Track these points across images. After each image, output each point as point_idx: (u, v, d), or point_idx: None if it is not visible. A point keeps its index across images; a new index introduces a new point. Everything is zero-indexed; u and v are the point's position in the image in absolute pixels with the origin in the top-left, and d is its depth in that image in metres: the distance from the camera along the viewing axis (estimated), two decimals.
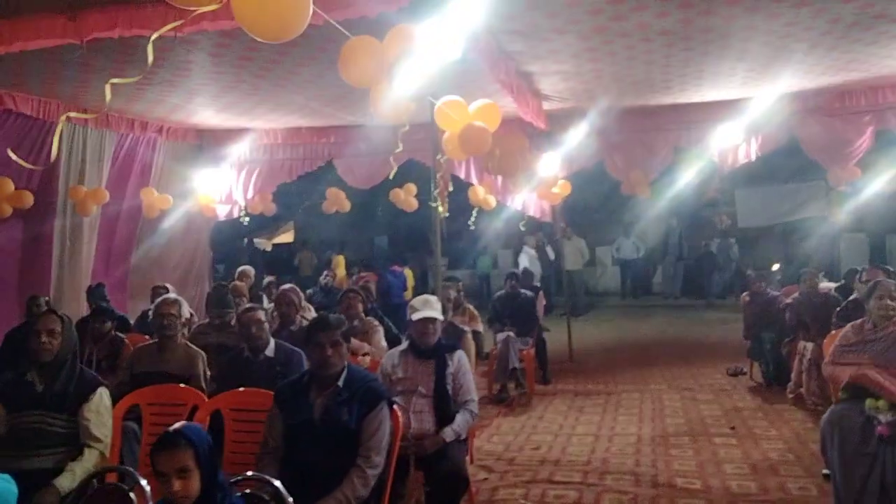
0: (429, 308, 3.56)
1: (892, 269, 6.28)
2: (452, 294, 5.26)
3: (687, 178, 9.39)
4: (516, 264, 11.65)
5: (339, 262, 11.29)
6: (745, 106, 6.97)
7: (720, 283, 13.48)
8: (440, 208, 4.30)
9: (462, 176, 7.57)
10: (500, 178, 7.60)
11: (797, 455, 4.48)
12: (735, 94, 6.75)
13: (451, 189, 4.41)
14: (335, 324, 2.90)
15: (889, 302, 3.62)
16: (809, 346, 5.51)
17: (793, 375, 5.75)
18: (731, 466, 4.34)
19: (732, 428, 5.14)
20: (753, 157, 7.64)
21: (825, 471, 3.62)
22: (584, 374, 7.37)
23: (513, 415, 5.83)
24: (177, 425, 2.13)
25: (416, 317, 3.55)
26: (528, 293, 6.98)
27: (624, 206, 13.45)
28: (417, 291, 9.96)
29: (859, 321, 3.76)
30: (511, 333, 6.43)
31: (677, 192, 10.58)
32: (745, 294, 7.26)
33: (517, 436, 5.18)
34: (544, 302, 7.99)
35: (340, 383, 2.86)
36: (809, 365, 5.37)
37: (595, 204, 13.71)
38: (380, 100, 3.30)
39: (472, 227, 8.12)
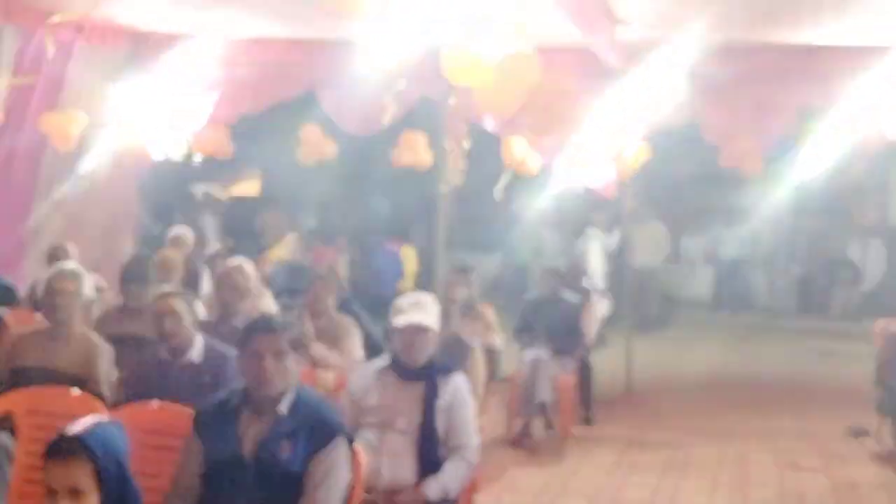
0: (418, 311, 3.57)
1: None
2: (461, 292, 5.27)
3: (818, 153, 9.28)
4: (571, 254, 11.65)
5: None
6: None
7: (855, 300, 13.37)
8: (449, 170, 4.29)
9: (489, 127, 7.53)
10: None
11: None
12: (885, 38, 6.63)
13: (466, 145, 4.39)
14: (279, 327, 2.93)
15: None
16: None
17: None
18: None
19: None
20: None
21: None
22: (645, 417, 7.36)
23: (535, 465, 5.87)
24: (79, 427, 2.18)
25: (398, 322, 3.56)
26: (574, 298, 6.98)
27: (727, 185, 13.30)
28: (421, 282, 10.00)
29: None
30: (543, 352, 6.45)
31: (803, 172, 10.47)
32: (881, 322, 7.17)
33: (538, 496, 5.23)
34: (602, 311, 8.00)
35: (283, 409, 2.89)
36: None
37: (684, 179, 13.60)
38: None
39: (499, 199, 8.12)
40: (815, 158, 9.60)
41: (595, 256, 10.71)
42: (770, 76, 7.48)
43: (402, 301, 3.68)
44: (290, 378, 2.94)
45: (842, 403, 7.88)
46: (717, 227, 14.12)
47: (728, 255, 13.89)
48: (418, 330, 3.54)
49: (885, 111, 7.29)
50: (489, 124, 7.39)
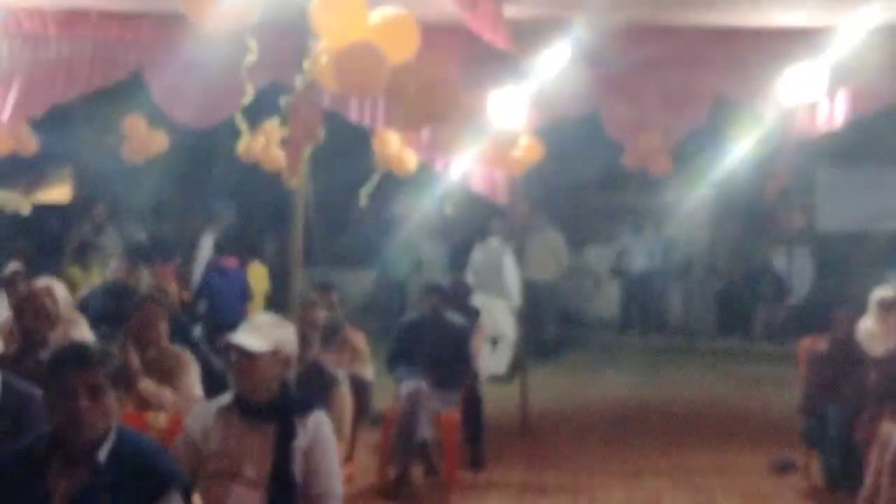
0: (247, 332, 3.62)
1: None
2: (321, 314, 5.30)
3: (737, 150, 9.72)
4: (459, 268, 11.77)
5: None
6: (828, 40, 7.23)
7: (780, 318, 14.02)
8: (292, 174, 4.33)
9: (354, 117, 7.57)
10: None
11: None
12: (814, 18, 6.99)
13: (320, 139, 4.44)
14: (97, 358, 2.90)
15: None
16: None
17: (868, 476, 6.04)
18: None
19: None
20: (839, 124, 7.97)
21: None
22: (543, 457, 7.51)
23: None
24: None
25: (221, 343, 3.63)
26: (459, 320, 7.09)
27: (634, 188, 13.76)
28: (275, 304, 9.93)
29: None
30: (423, 384, 6.53)
31: (721, 172, 10.95)
32: (807, 340, 7.58)
33: None
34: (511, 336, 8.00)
35: (101, 457, 2.87)
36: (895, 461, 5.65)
37: (586, 181, 14.00)
38: None
39: (364, 203, 8.20)
40: (734, 157, 10.07)
41: (510, 270, 10.85)
42: (681, 62, 7.80)
43: (241, 324, 3.72)
44: (110, 420, 2.91)
45: (766, 435, 8.26)
46: (624, 236, 14.55)
47: (637, 267, 14.29)
48: (243, 355, 3.57)
49: (811, 101, 7.69)
50: (353, 113, 7.43)
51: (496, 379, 9.88)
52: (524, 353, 9.14)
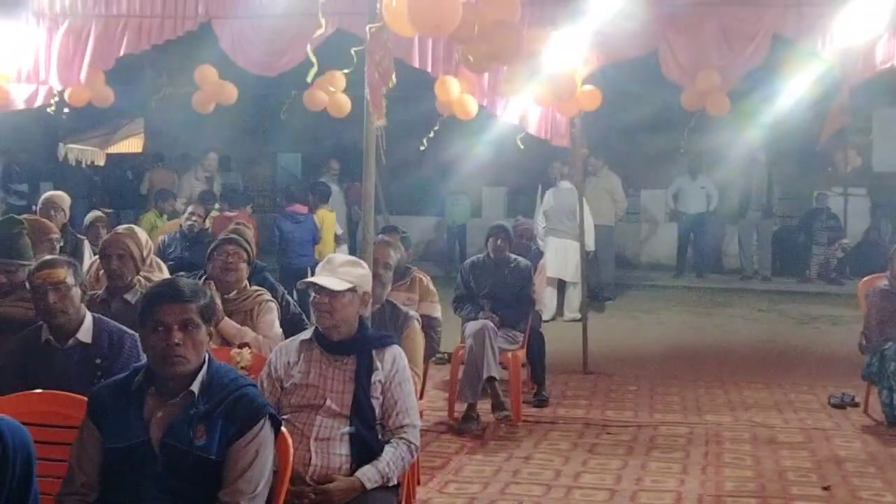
0: (326, 272, 3.67)
1: None
2: (392, 255, 5.32)
3: (793, 89, 9.52)
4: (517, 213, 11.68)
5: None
6: None
7: (836, 258, 13.84)
8: (377, 115, 4.34)
9: (417, 62, 7.55)
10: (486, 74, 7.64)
11: None
12: None
13: (393, 82, 4.42)
14: (189, 294, 2.95)
15: None
16: None
17: None
18: None
19: (826, 488, 5.36)
20: None
21: None
22: (605, 395, 7.55)
23: (483, 451, 5.97)
24: None
25: (300, 285, 3.71)
26: (521, 261, 7.10)
27: (690, 129, 13.55)
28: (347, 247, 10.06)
29: None
30: (490, 322, 6.57)
31: (776, 112, 10.77)
32: (867, 278, 7.48)
33: (487, 485, 5.33)
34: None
35: (195, 389, 2.94)
36: None
37: (641, 123, 13.83)
38: None
39: (425, 148, 8.19)
40: (790, 97, 9.87)
41: (584, 214, 10.79)
42: (739, 2, 7.66)
43: (321, 263, 3.77)
44: (201, 353, 2.97)
45: (823, 372, 8.26)
46: (680, 178, 14.41)
47: (693, 209, 14.14)
48: (325, 294, 3.61)
49: (868, 39, 7.49)
50: (416, 58, 7.42)
51: (574, 321, 9.84)
52: (585, 295, 9.15)
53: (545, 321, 8.96)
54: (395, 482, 3.66)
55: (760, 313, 11.83)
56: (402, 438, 3.64)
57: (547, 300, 9.91)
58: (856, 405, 7.13)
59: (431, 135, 8.51)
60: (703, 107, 8.62)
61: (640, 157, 14.90)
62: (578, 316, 9.39)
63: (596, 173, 11.94)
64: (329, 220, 9.98)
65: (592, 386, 7.85)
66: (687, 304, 12.43)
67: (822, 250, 13.87)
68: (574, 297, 10.74)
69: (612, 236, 12.52)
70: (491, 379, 6.46)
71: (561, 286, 10.89)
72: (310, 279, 3.72)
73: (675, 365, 8.80)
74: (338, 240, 10.24)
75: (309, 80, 5.95)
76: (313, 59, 5.40)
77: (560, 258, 10.63)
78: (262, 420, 2.95)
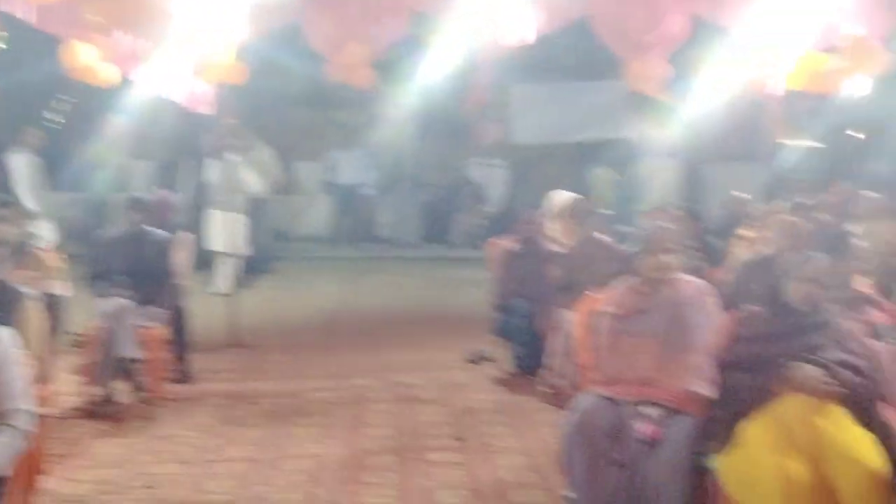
0: None
1: (688, 207, 7.41)
2: (7, 231, 4.92)
3: (435, 63, 9.91)
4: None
5: None
6: None
7: (478, 225, 14.64)
8: None
9: (38, 22, 7.05)
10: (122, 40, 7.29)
11: (541, 472, 5.09)
12: None
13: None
14: None
15: (665, 257, 4.27)
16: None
17: (552, 360, 6.51)
18: (448, 495, 4.80)
19: (459, 439, 5.68)
20: (530, 37, 8.28)
21: (569, 493, 4.18)
22: (252, 367, 7.52)
23: (121, 434, 5.74)
24: None
25: None
26: (160, 234, 6.86)
27: (340, 102, 13.79)
28: None
29: (634, 280, 4.38)
30: (126, 301, 6.29)
31: (425, 85, 11.15)
32: (496, 242, 7.97)
33: (123, 467, 5.15)
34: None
35: None
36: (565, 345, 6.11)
37: (295, 95, 13.83)
38: None
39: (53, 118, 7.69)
40: (433, 71, 10.27)
41: (249, 186, 10.51)
42: None
43: None
44: None
45: (463, 331, 8.61)
46: (333, 151, 14.58)
47: (347, 181, 14.39)
48: None
49: (500, 15, 7.91)
50: (35, 17, 6.90)
51: (220, 295, 9.65)
52: (239, 269, 9.03)
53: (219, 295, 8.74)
54: (5, 473, 3.41)
55: (410, 279, 12.26)
56: (7, 425, 3.38)
57: (220, 276, 9.73)
58: (490, 360, 7.56)
59: (61, 104, 7.99)
60: (349, 79, 8.76)
61: (294, 130, 14.87)
62: (226, 288, 9.26)
63: (248, 146, 11.76)
64: None
65: (241, 360, 7.77)
66: (341, 273, 12.62)
67: (466, 218, 14.62)
68: (229, 270, 10.57)
69: (266, 209, 12.44)
70: (128, 359, 6.19)
71: (218, 259, 10.66)
72: None
73: (326, 333, 8.93)
74: None
75: None
76: None
77: (226, 231, 10.38)
78: None
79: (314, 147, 14.98)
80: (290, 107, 14.48)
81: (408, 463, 5.28)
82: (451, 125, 15.20)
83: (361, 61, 8.39)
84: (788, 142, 14.49)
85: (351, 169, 14.31)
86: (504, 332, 7.35)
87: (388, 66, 9.80)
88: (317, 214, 15.19)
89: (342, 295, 11.11)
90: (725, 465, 3.68)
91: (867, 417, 3.65)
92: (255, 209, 11.67)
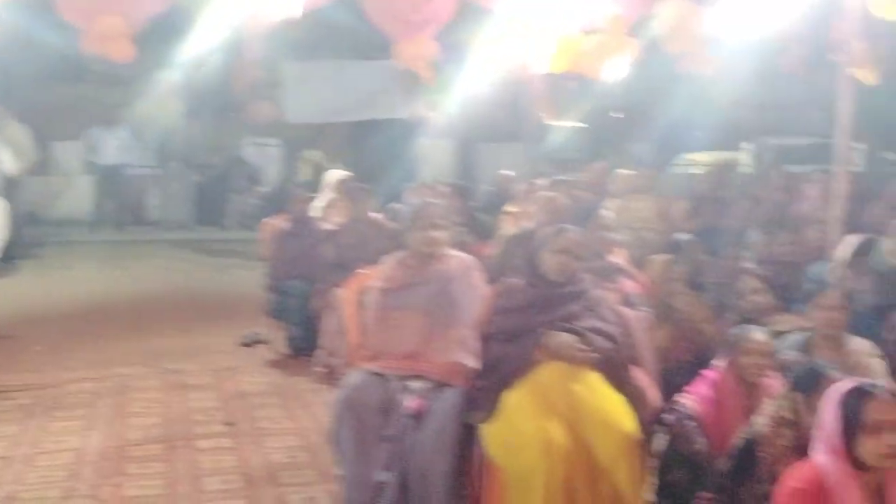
0: None
1: (456, 184, 7.57)
2: None
3: (200, 37, 9.60)
4: None
5: None
6: None
7: (253, 206, 14.44)
8: None
9: None
10: None
11: (313, 453, 5.10)
12: None
13: None
14: None
15: (433, 233, 4.33)
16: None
17: (325, 339, 6.50)
18: (217, 481, 4.72)
19: (229, 424, 5.59)
20: (297, 12, 8.18)
21: (340, 471, 4.19)
22: (10, 361, 7.04)
23: None
24: None
25: None
26: None
27: (102, 79, 13.16)
28: None
29: (403, 255, 4.43)
30: None
31: (188, 60, 10.78)
32: (268, 222, 7.88)
33: None
34: None
35: None
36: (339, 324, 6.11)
37: (46, 69, 13.10)
38: None
39: None
40: (199, 44, 9.94)
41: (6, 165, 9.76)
42: None
43: None
44: None
45: (236, 315, 8.52)
46: (96, 129, 13.94)
47: (109, 161, 13.80)
48: None
49: None
50: None
51: None
52: None
53: None
54: None
55: (181, 263, 11.98)
56: None
57: None
58: (264, 342, 7.50)
59: None
60: (106, 52, 8.34)
61: (50, 107, 14.06)
62: None
63: None
64: None
65: None
66: (105, 258, 12.16)
67: (240, 199, 14.38)
68: None
69: (21, 190, 11.73)
70: None
71: None
72: None
73: (88, 320, 8.52)
74: None
75: None
76: None
77: None
78: None
79: (73, 125, 14.23)
80: (45, 82, 13.68)
81: (175, 451, 5.15)
82: (222, 104, 14.87)
83: (118, 33, 7.99)
84: (554, 122, 15.07)
85: (113, 148, 13.72)
86: (278, 314, 7.30)
87: (148, 39, 9.41)
88: (77, 196, 14.51)
89: (107, 281, 10.66)
90: (490, 434, 3.80)
91: (620, 382, 3.86)
92: (10, 191, 11.02)
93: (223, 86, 13.84)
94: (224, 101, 14.81)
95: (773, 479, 3.28)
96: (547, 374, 3.78)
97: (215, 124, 15.59)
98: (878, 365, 4.17)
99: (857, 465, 2.79)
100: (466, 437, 4.02)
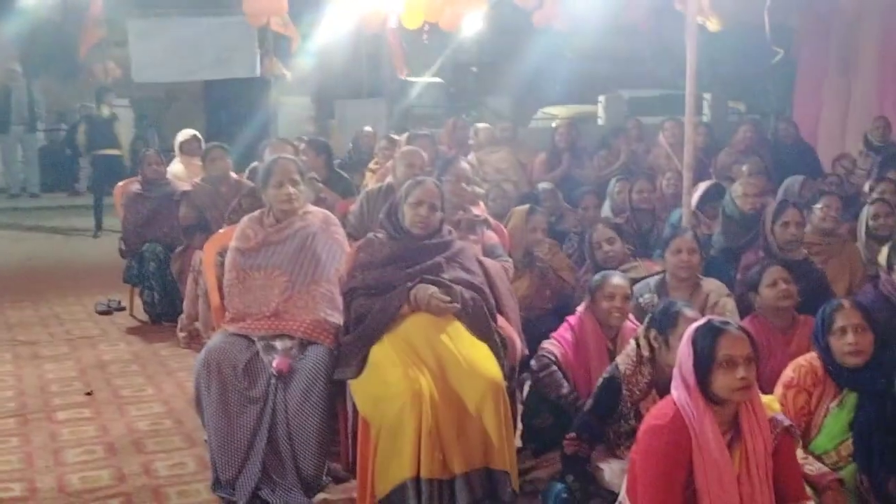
0: None
1: (313, 140, 7.47)
2: None
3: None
4: None
5: None
6: None
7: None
8: None
9: None
10: None
11: (178, 420, 5.03)
12: None
13: None
14: None
15: (290, 189, 4.25)
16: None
17: (185, 304, 6.38)
18: (78, 452, 4.61)
19: (89, 393, 5.46)
20: None
21: (206, 436, 4.14)
22: None
23: None
24: None
25: None
26: None
27: None
28: None
29: (260, 213, 4.34)
30: None
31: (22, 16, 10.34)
32: (121, 182, 7.65)
33: None
34: None
35: None
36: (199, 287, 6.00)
37: None
38: None
39: None
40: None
41: None
42: None
43: None
44: None
45: (91, 282, 8.32)
46: None
47: None
48: None
49: None
50: None
51: None
52: None
53: None
54: None
55: (28, 231, 11.53)
56: None
57: None
58: (122, 309, 7.36)
59: None
60: None
61: None
62: None
63: None
64: None
65: None
66: None
67: (88, 162, 13.84)
68: None
69: None
70: None
71: None
72: None
73: None
74: None
75: None
76: None
77: None
78: None
79: None
80: None
81: (32, 424, 4.99)
82: (67, 64, 14.22)
83: None
84: (412, 78, 15.05)
85: None
86: (136, 280, 7.11)
87: None
88: None
89: None
90: (358, 389, 3.81)
91: (485, 331, 3.91)
92: None
93: (68, 44, 13.25)
94: (70, 60, 14.17)
95: (637, 416, 3.41)
96: (412, 325, 3.79)
97: (61, 85, 14.95)
98: (729, 304, 4.35)
99: (712, 399, 2.91)
100: (335, 394, 4.03)
